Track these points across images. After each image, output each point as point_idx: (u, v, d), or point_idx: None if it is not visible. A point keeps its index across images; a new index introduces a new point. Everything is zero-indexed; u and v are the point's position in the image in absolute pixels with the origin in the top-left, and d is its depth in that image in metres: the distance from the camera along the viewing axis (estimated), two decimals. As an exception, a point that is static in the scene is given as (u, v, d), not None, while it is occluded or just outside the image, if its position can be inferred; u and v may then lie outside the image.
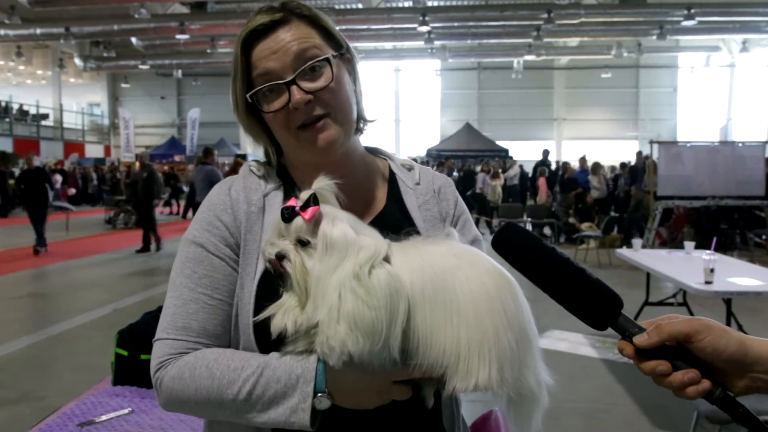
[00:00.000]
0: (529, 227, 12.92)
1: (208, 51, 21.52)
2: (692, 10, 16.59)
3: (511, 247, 0.85)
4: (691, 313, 5.58)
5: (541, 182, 13.94)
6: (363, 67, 1.14)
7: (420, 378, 0.89)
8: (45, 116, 28.35)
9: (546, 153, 15.91)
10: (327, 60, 1.02)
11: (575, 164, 14.83)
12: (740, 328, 4.65)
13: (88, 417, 2.12)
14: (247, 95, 1.03)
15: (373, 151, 1.21)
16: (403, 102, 30.18)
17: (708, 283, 3.94)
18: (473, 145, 23.33)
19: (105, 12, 18.61)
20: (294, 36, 1.02)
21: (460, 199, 1.21)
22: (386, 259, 0.85)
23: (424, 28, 18.35)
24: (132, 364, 2.48)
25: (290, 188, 1.09)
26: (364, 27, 19.21)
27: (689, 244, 5.54)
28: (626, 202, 12.77)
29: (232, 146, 26.21)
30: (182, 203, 18.56)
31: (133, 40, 20.85)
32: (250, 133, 1.11)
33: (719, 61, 27.73)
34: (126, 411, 2.17)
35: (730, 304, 4.34)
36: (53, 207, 11.61)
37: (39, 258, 10.05)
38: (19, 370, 4.80)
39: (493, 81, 28.71)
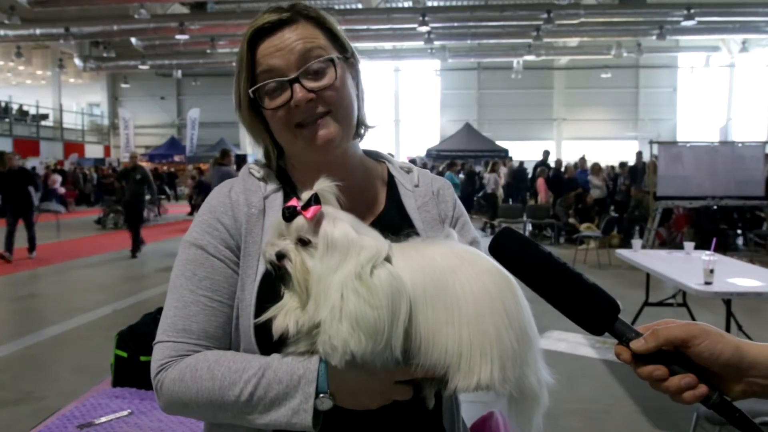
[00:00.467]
0: (529, 227, 12.93)
1: (208, 51, 21.50)
2: (692, 10, 16.58)
3: (508, 252, 0.86)
4: (691, 314, 5.58)
5: (540, 182, 13.93)
6: (363, 67, 1.14)
7: (421, 378, 0.89)
8: (45, 116, 28.30)
9: (546, 153, 15.88)
10: (331, 60, 1.03)
11: (568, 160, 14.71)
12: (740, 328, 4.65)
13: (88, 418, 2.12)
14: (250, 90, 1.04)
15: (372, 155, 1.22)
16: (403, 102, 30.16)
17: (708, 283, 3.94)
18: (473, 145, 23.35)
19: (104, 12, 18.61)
20: (300, 35, 1.02)
21: (459, 201, 1.22)
22: (388, 259, 0.86)
23: (424, 29, 18.34)
24: (132, 366, 2.48)
25: (290, 190, 1.09)
26: (364, 27, 19.18)
27: (689, 245, 5.54)
28: (626, 202, 12.78)
29: (232, 146, 26.20)
30: (170, 203, 18.42)
31: (133, 40, 20.83)
32: (252, 131, 1.11)
33: (719, 61, 27.72)
34: (126, 412, 2.16)
35: (729, 304, 4.33)
36: (39, 210, 11.30)
37: (31, 261, 9.98)
38: (19, 371, 4.79)
39: (493, 81, 28.71)
